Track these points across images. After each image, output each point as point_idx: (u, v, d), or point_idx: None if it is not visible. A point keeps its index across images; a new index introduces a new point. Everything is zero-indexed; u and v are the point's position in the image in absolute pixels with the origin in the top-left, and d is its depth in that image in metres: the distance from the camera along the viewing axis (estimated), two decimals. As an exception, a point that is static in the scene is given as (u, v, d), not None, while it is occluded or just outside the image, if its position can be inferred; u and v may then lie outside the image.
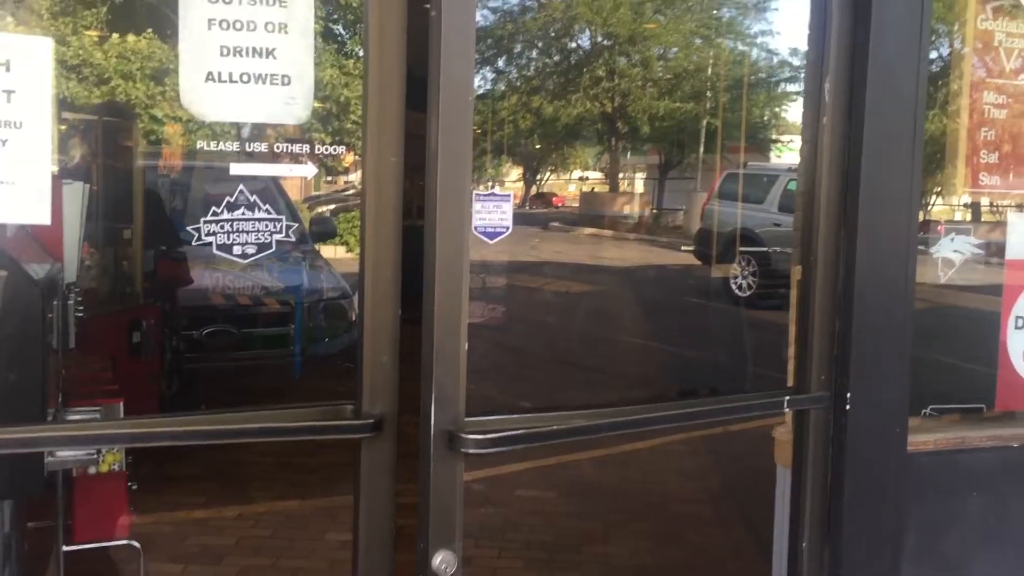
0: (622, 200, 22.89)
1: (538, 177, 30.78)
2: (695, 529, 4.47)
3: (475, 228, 1.83)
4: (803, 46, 2.33)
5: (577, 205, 25.38)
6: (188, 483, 4.69)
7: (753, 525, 4.10)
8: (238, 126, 1.83)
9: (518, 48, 21.96)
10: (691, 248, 13.63)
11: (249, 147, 1.78)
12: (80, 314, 3.28)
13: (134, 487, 3.35)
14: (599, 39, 21.89)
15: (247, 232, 1.75)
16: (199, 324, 6.24)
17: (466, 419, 1.79)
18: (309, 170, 1.88)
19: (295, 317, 6.65)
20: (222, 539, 4.35)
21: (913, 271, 2.21)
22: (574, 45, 22.42)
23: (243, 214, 1.75)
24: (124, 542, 3.28)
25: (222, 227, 1.73)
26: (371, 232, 1.80)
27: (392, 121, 1.79)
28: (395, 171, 1.80)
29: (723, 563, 4.06)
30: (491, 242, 1.83)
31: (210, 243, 1.72)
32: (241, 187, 1.75)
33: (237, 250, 1.75)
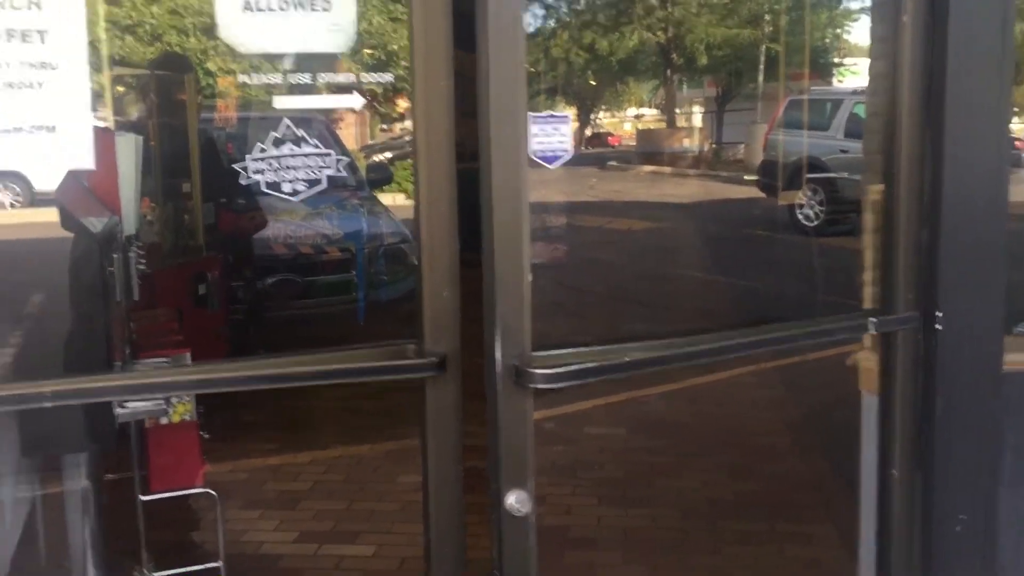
0: (680, 135, 22.41)
1: (592, 116, 30.22)
2: (771, 460, 4.37)
3: (533, 152, 1.73)
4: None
5: (634, 143, 24.93)
6: (260, 431, 4.74)
7: (833, 455, 4.00)
8: (282, 59, 1.75)
9: (568, -21, 21.45)
10: (754, 180, 13.32)
11: (292, 79, 1.70)
12: (142, 267, 3.28)
13: (206, 436, 3.38)
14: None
15: (295, 168, 1.68)
16: (263, 274, 6.27)
17: (532, 354, 1.71)
18: (356, 100, 1.79)
19: (357, 263, 6.64)
20: (297, 484, 4.39)
21: (1005, 179, 2.06)
22: (625, -29, 21.78)
23: (290, 150, 1.67)
24: (200, 490, 3.32)
25: (269, 164, 1.66)
26: (424, 163, 1.72)
27: (440, 42, 1.69)
28: (446, 96, 1.71)
29: (802, 494, 3.96)
30: (551, 167, 1.73)
31: (258, 181, 1.65)
32: (287, 122, 1.67)
33: (287, 188, 1.68)
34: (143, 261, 3.35)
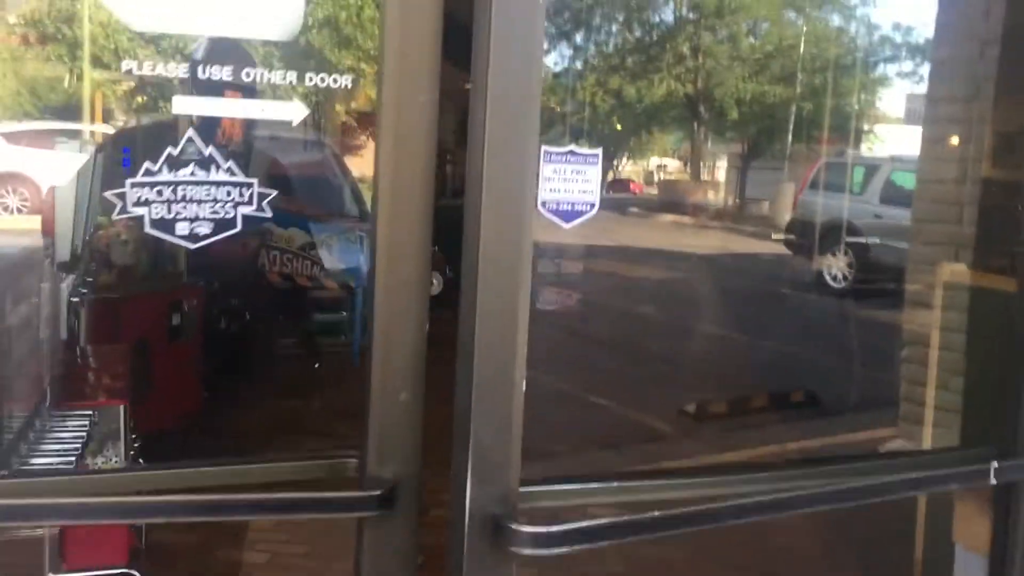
0: (703, 188, 22.08)
1: (614, 163, 30.05)
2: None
3: (542, 204, 1.21)
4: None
5: (656, 192, 24.75)
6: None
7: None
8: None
9: (597, 21, 21.12)
10: (781, 237, 13.03)
11: (205, 73, 1.19)
12: (80, 296, 2.80)
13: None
14: (684, 11, 20.92)
15: (197, 202, 1.15)
16: (250, 307, 5.78)
17: (521, 490, 1.17)
18: (296, 110, 1.27)
19: (355, 301, 6.14)
20: (252, 555, 3.85)
21: None
22: (657, 19, 21.45)
23: (192, 175, 1.15)
24: (121, 571, 2.78)
25: (159, 193, 1.14)
26: (387, 208, 1.19)
27: (423, 40, 1.18)
28: (426, 114, 1.19)
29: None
30: (567, 225, 1.22)
31: (141, 216, 1.13)
32: (190, 135, 1.15)
33: (182, 228, 1.15)
34: (83, 289, 2.86)
